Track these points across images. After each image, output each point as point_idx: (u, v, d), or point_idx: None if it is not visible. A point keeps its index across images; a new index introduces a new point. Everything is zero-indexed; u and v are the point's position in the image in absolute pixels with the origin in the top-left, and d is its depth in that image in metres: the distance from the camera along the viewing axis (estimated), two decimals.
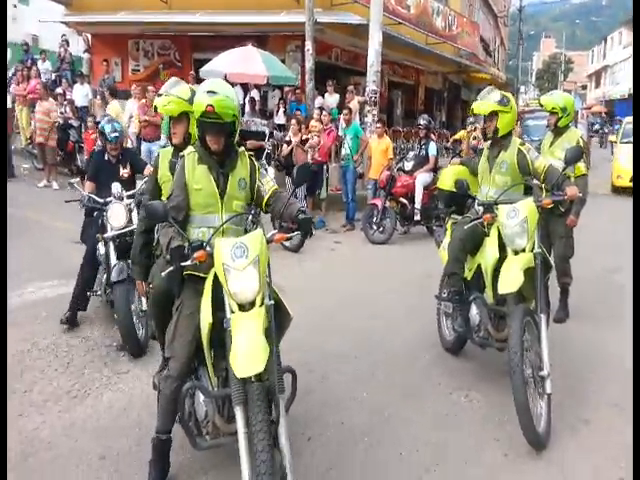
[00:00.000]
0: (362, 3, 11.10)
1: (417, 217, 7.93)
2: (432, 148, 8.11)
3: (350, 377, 3.74)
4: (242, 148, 2.66)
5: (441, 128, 17.77)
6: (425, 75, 19.30)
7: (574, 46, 76.27)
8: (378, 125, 8.95)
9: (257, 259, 2.30)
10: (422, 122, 8.20)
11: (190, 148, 2.66)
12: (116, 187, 4.33)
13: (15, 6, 18.69)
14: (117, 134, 4.53)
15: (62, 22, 13.73)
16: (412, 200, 7.96)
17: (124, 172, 4.56)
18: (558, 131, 4.62)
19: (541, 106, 4.93)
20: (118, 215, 4.22)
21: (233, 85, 10.59)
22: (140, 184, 4.56)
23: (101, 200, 4.35)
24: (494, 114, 3.65)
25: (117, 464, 2.80)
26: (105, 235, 4.24)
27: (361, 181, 9.56)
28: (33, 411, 3.24)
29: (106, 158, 4.57)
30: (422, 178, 7.89)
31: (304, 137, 8.53)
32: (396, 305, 5.08)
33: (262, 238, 2.38)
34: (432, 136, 8.83)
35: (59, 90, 11.57)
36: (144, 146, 9.32)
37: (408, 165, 8.23)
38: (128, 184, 4.55)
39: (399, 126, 14.75)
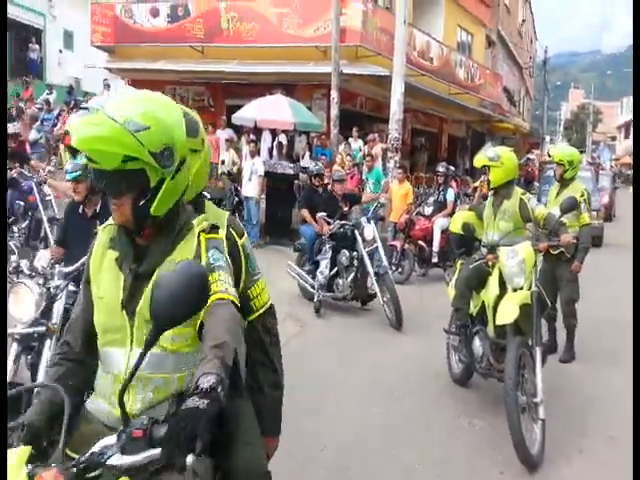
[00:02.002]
0: (386, 55, 11.72)
1: (435, 259, 8.19)
2: (450, 194, 8.46)
3: (366, 396, 4.10)
4: (203, 223, 1.45)
5: (464, 175, 18.13)
6: (448, 123, 19.82)
7: (603, 97, 76.62)
8: (399, 171, 9.36)
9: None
10: (440, 169, 8.62)
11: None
12: (42, 255, 3.27)
13: (61, 51, 20.09)
14: (77, 173, 3.28)
15: (105, 68, 14.75)
16: (430, 243, 8.25)
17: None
18: (564, 182, 4.93)
19: (549, 157, 5.26)
20: (23, 301, 2.80)
21: (262, 130, 11.26)
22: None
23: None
24: (487, 168, 3.99)
25: None
26: (9, 331, 2.83)
27: (381, 224, 9.89)
28: None
29: (80, 211, 3.41)
30: (440, 222, 8.18)
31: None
32: (410, 340, 5.34)
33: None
34: (452, 183, 9.20)
35: None
36: None
37: (427, 210, 8.60)
38: None
39: (422, 172, 15.15)
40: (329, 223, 6.33)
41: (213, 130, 11.94)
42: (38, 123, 12.08)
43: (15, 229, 7.07)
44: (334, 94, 11.07)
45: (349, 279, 6.08)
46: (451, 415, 3.86)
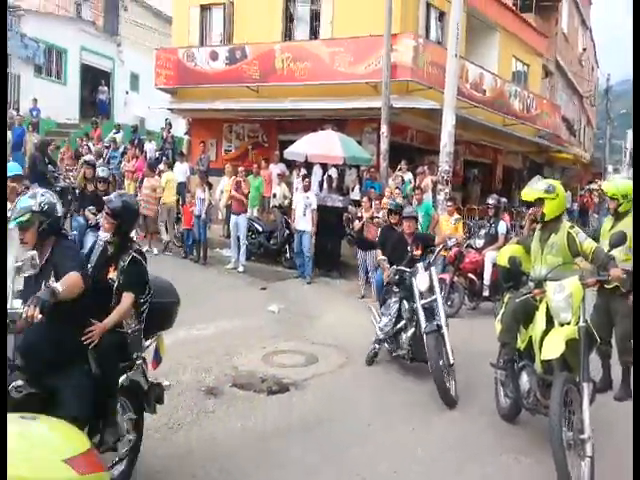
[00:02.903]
0: (437, 89, 11.79)
1: (486, 293, 8.02)
2: (501, 226, 8.31)
3: (408, 429, 4.14)
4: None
5: (519, 207, 17.68)
6: (503, 154, 19.50)
7: None
8: (449, 204, 9.31)
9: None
10: (491, 201, 8.52)
11: None
12: None
13: (127, 92, 21.46)
14: (23, 217, 2.94)
15: (168, 109, 15.63)
16: (480, 276, 8.10)
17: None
18: (618, 216, 4.79)
19: (604, 192, 5.12)
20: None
21: (313, 164, 11.53)
22: None
23: None
24: (540, 201, 3.93)
25: None
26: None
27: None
28: None
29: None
30: (491, 255, 8.02)
31: (375, 214, 9.02)
32: (459, 375, 5.23)
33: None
34: (504, 215, 9.04)
35: (161, 167, 13.04)
36: (232, 218, 10.24)
37: (479, 242, 8.50)
38: None
39: (474, 205, 14.93)
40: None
41: (266, 165, 12.35)
42: (103, 161, 12.91)
43: None
44: (384, 128, 11.22)
45: (408, 335, 5.29)
46: (497, 451, 3.80)
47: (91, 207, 7.11)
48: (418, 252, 5.63)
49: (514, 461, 3.69)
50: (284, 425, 4.37)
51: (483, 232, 8.60)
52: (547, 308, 3.65)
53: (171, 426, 4.19)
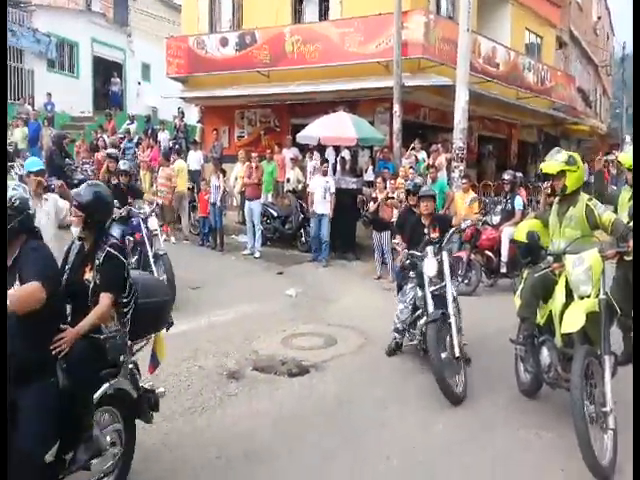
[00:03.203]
0: (449, 65, 11.61)
1: (503, 269, 7.97)
2: (518, 202, 8.21)
3: (428, 409, 4.19)
4: None
5: (536, 181, 17.44)
6: (518, 128, 19.18)
7: None
8: (464, 181, 9.22)
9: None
10: (506, 177, 8.41)
11: None
12: None
13: (139, 83, 21.52)
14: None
15: (180, 97, 15.65)
16: (498, 253, 8.04)
17: None
18: None
19: (620, 164, 5.02)
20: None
21: (326, 147, 11.48)
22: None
23: None
24: (562, 173, 3.87)
25: (229, 462, 3.54)
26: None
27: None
28: (163, 421, 3.99)
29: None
30: (508, 231, 7.94)
31: (389, 194, 8.98)
32: (477, 351, 5.25)
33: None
34: (520, 190, 8.93)
35: (174, 156, 13.10)
36: (246, 204, 10.29)
37: (495, 219, 8.42)
38: None
39: (490, 180, 14.75)
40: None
41: (279, 150, 12.34)
42: (119, 152, 13.00)
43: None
44: (396, 107, 11.10)
45: (420, 324, 4.93)
46: (517, 426, 3.82)
47: (114, 201, 7.17)
48: (435, 234, 5.15)
49: (535, 436, 3.70)
50: (304, 407, 4.43)
51: (499, 208, 8.51)
52: (566, 282, 3.62)
53: (195, 409, 4.29)
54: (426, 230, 5.20)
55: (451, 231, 5.25)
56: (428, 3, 12.88)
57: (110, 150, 10.32)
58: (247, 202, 10.24)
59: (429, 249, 4.86)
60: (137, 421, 3.32)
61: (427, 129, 13.89)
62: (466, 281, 7.98)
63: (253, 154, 10.72)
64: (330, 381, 4.95)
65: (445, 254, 4.86)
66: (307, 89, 12.37)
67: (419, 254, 4.93)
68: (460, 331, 4.84)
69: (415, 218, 5.54)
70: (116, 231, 6.77)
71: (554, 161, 3.96)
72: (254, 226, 10.01)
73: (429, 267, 4.75)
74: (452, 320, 4.54)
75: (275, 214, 10.70)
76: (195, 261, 6.29)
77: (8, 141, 14.23)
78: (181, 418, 4.16)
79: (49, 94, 16.79)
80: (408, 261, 5.13)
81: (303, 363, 5.29)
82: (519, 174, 9.42)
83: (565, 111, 19.37)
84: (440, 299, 4.74)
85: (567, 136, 23.45)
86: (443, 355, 4.33)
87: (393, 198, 8.93)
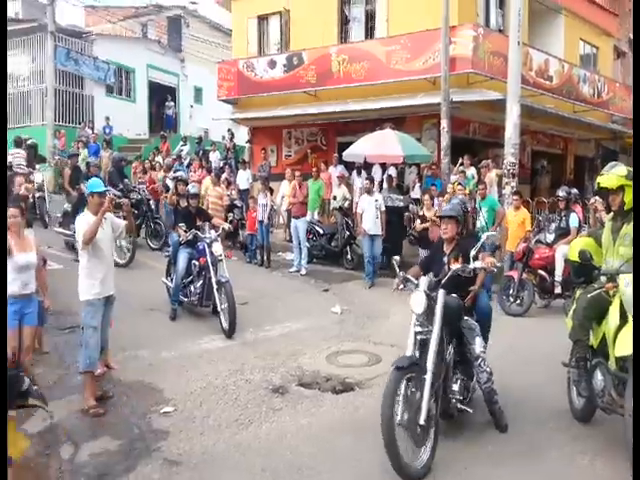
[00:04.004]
0: (499, 79, 11.39)
1: (557, 290, 7.63)
2: (573, 219, 7.91)
3: (477, 429, 4.07)
4: None
5: (594, 197, 16.68)
6: (574, 143, 18.51)
7: None
8: (515, 197, 8.94)
9: None
10: (561, 194, 8.14)
11: None
12: None
13: (192, 106, 22.31)
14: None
15: (230, 119, 16.08)
16: (551, 273, 7.72)
17: None
18: None
19: None
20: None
21: (372, 165, 11.44)
22: None
23: None
24: (620, 188, 3.68)
25: (275, 475, 3.58)
26: None
27: (498, 253, 9.46)
28: (211, 432, 4.13)
29: None
30: (563, 250, 7.61)
31: (438, 213, 8.80)
32: (528, 374, 5.06)
33: None
34: (576, 207, 8.58)
35: (224, 176, 13.42)
36: (292, 222, 10.38)
37: (549, 237, 8.14)
38: None
39: (544, 197, 14.26)
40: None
41: (326, 168, 12.41)
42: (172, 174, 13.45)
43: (192, 288, 7.00)
44: (444, 123, 10.96)
45: None
46: (570, 452, 3.65)
47: (182, 224, 7.14)
48: (456, 265, 4.03)
49: (588, 462, 3.56)
50: (348, 424, 4.39)
51: (553, 226, 8.21)
52: (621, 302, 3.44)
53: (241, 422, 4.37)
54: (446, 258, 4.17)
55: (452, 270, 3.99)
56: (477, 17, 12.72)
57: (179, 173, 10.58)
58: (293, 220, 10.33)
59: (423, 279, 3.94)
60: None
61: (477, 145, 13.62)
62: (518, 301, 7.76)
63: (296, 173, 10.82)
64: (374, 399, 4.85)
65: (442, 293, 3.80)
66: (353, 107, 12.43)
67: (415, 281, 3.97)
68: (494, 403, 4.02)
69: (438, 244, 4.55)
70: (183, 255, 6.99)
71: (613, 175, 3.76)
72: (300, 243, 10.06)
73: (415, 302, 3.77)
74: (427, 377, 3.55)
75: (321, 232, 10.72)
76: (242, 278, 6.43)
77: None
78: (227, 430, 4.24)
79: (107, 118, 17.67)
80: (402, 287, 4.13)
81: (347, 380, 5.30)
82: (574, 190, 9.04)
83: (624, 124, 18.55)
84: (424, 344, 3.76)
85: (626, 150, 22.39)
86: (398, 416, 3.41)
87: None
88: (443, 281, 3.90)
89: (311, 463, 3.75)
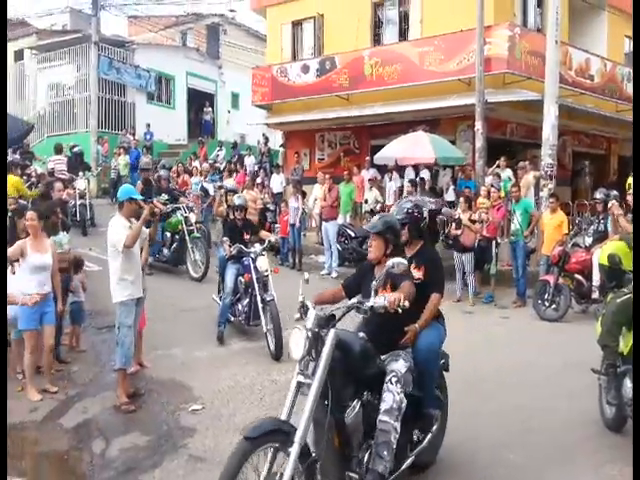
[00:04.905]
0: (536, 79, 11.14)
1: (595, 295, 7.39)
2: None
3: (502, 439, 3.94)
4: None
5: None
6: (618, 143, 17.84)
7: None
8: (551, 200, 8.72)
9: None
10: (599, 196, 7.91)
11: None
12: None
13: (229, 111, 22.70)
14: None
15: (265, 124, 16.30)
16: (589, 277, 7.48)
17: None
18: None
19: None
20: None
21: (405, 167, 11.36)
22: None
23: None
24: None
25: None
26: None
27: (534, 257, 9.24)
28: (236, 430, 4.09)
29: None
30: (599, 254, 7.38)
31: (473, 217, 8.67)
32: (561, 383, 4.96)
33: None
34: None
35: (259, 180, 13.63)
36: (323, 224, 10.43)
37: (587, 240, 7.91)
38: None
39: (585, 199, 13.81)
40: None
41: (358, 171, 12.42)
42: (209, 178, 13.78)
43: (239, 307, 6.55)
44: (478, 125, 10.80)
45: None
46: (601, 461, 3.58)
47: (225, 238, 6.69)
48: (383, 294, 3.00)
49: (618, 473, 3.45)
50: None
51: (592, 229, 7.96)
52: None
53: None
54: (374, 285, 3.03)
55: (350, 302, 3.08)
56: (514, 17, 12.48)
57: (229, 184, 10.41)
58: (323, 223, 10.38)
59: (312, 313, 2.91)
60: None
61: (514, 146, 13.33)
62: (554, 306, 7.58)
63: (327, 176, 10.85)
64: None
65: (332, 334, 2.83)
66: (386, 110, 12.39)
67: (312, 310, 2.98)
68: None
69: (369, 264, 3.50)
70: (230, 271, 6.49)
71: None
72: (331, 246, 10.10)
73: (293, 344, 2.89)
74: (293, 451, 2.61)
75: (353, 235, 10.72)
76: (273, 280, 6.45)
77: (112, 165, 15.62)
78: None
79: (148, 124, 18.19)
80: (297, 316, 3.12)
81: None
82: (614, 192, 8.71)
83: None
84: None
85: None
86: None
87: (476, 222, 8.63)
88: (339, 315, 2.95)
89: None
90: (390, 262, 3.02)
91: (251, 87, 15.65)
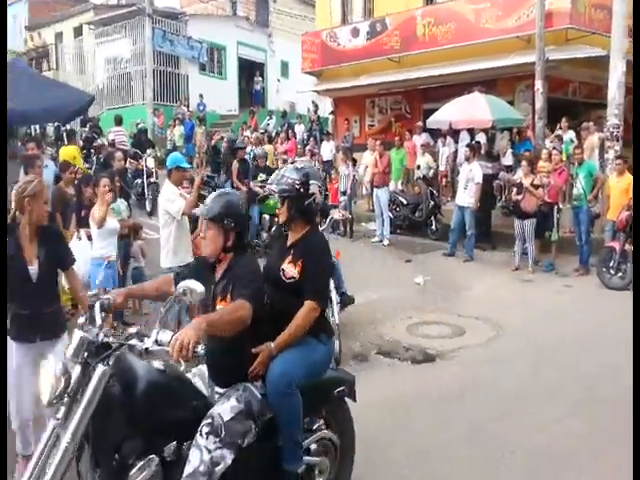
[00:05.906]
0: (602, 34, 10.41)
1: None
2: None
3: (556, 409, 3.86)
4: None
5: None
6: None
7: None
8: (618, 162, 8.23)
9: None
10: None
11: None
12: None
13: (279, 80, 22.59)
14: None
15: (314, 91, 16.13)
16: None
17: None
18: None
19: None
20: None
21: (459, 131, 10.99)
22: None
23: None
24: None
25: None
26: None
27: (598, 222, 8.80)
28: None
29: None
30: None
31: (535, 182, 8.29)
32: (616, 353, 4.73)
33: None
34: None
35: (309, 147, 13.58)
36: (374, 191, 10.31)
37: None
38: None
39: None
40: None
41: (410, 136, 12.13)
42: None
43: None
44: (538, 84, 10.26)
45: None
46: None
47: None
48: (220, 306, 2.45)
49: None
50: (424, 395, 4.34)
51: None
52: None
53: None
54: (212, 291, 2.52)
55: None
56: None
57: (258, 150, 10.70)
58: (374, 190, 10.23)
59: (77, 337, 2.13)
60: None
61: (578, 106, 12.60)
62: (620, 274, 7.28)
63: (377, 142, 10.61)
64: (454, 371, 4.84)
65: (100, 374, 2.08)
66: (440, 72, 11.93)
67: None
68: None
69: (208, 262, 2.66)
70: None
71: None
72: (382, 214, 9.98)
73: (42, 382, 2.10)
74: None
75: (404, 202, 10.54)
76: None
77: (168, 137, 15.94)
78: None
79: (201, 95, 18.40)
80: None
81: (428, 351, 5.26)
82: None
83: None
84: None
85: None
86: None
87: (539, 186, 8.24)
88: (115, 347, 2.14)
89: (382, 433, 3.66)
90: (181, 286, 2.19)
91: (301, 54, 15.46)
